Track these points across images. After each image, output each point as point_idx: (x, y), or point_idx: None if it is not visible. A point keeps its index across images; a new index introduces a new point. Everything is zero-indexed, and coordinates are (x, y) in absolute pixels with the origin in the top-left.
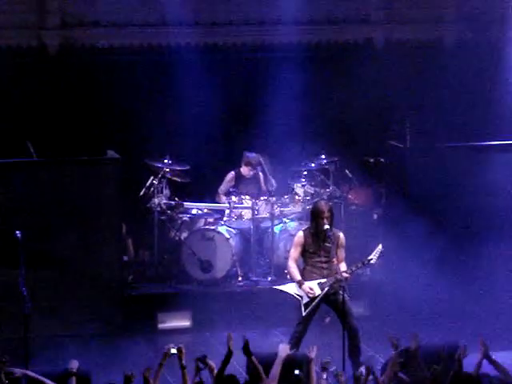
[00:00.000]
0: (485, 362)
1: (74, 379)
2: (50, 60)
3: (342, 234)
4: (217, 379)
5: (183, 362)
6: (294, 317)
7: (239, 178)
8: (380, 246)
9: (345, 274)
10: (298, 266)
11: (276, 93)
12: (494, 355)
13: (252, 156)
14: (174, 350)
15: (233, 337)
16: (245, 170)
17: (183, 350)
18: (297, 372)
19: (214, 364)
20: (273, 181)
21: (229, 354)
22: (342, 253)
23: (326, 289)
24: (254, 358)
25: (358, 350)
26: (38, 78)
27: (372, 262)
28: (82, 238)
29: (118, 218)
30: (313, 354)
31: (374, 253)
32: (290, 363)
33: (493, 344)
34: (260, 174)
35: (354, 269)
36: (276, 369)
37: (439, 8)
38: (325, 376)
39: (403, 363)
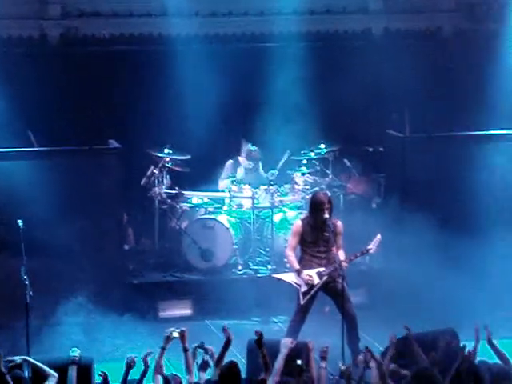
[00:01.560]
0: (482, 349)
1: (74, 368)
2: (51, 50)
3: (339, 222)
4: (217, 366)
5: (186, 344)
6: (294, 305)
7: (238, 166)
8: (379, 236)
9: (343, 263)
10: (296, 255)
11: (275, 82)
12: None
13: (251, 150)
14: (175, 334)
15: (227, 327)
16: (243, 161)
17: (185, 334)
18: (299, 362)
19: (214, 349)
20: (276, 172)
21: (227, 343)
22: (339, 240)
23: (325, 277)
24: (264, 349)
25: (357, 337)
26: (38, 68)
27: (371, 251)
28: (83, 226)
29: (119, 207)
30: (311, 344)
31: (372, 242)
32: (289, 352)
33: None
34: (260, 164)
35: (352, 258)
36: (279, 364)
37: None
38: (324, 365)
39: (401, 353)
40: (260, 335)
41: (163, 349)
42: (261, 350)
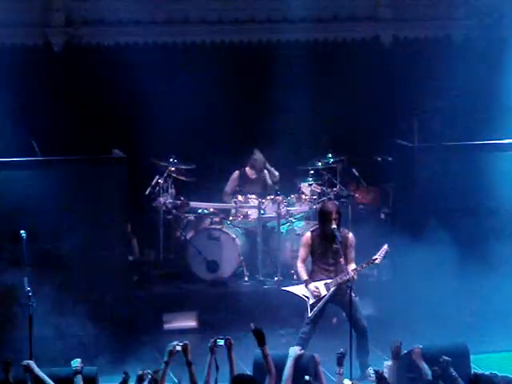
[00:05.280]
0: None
1: (80, 377)
2: (55, 58)
3: (351, 234)
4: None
5: (189, 358)
6: (301, 317)
7: (244, 177)
8: (385, 246)
9: (350, 273)
10: (307, 267)
11: (283, 91)
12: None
13: (257, 159)
14: (179, 348)
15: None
16: (249, 171)
17: (189, 347)
18: (307, 378)
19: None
20: (276, 173)
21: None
22: (351, 253)
23: (333, 289)
24: (266, 347)
25: (366, 349)
26: (43, 76)
27: (377, 261)
28: (87, 237)
29: (124, 218)
30: (319, 358)
31: (379, 252)
32: (297, 364)
33: (501, 344)
34: (266, 173)
35: (359, 268)
36: (288, 371)
37: (447, 5)
38: (341, 371)
39: (408, 366)
40: (258, 330)
41: (166, 363)
42: (263, 348)
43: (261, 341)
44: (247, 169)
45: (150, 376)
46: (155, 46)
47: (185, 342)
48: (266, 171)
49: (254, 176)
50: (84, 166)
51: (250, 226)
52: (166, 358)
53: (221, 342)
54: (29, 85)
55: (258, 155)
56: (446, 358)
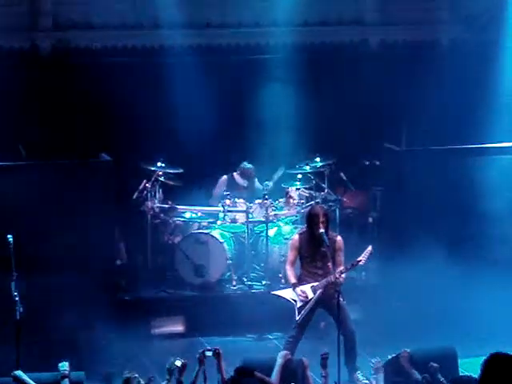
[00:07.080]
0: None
1: (67, 381)
2: (43, 62)
3: (339, 238)
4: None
5: (182, 378)
6: (289, 321)
7: (232, 182)
8: (370, 248)
9: (335, 275)
10: (295, 270)
11: (270, 94)
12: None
13: (247, 168)
14: (178, 363)
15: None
16: (238, 178)
17: (185, 367)
18: None
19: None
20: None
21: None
22: (340, 257)
23: (319, 292)
24: (256, 372)
25: (354, 353)
26: (30, 80)
27: (361, 263)
28: (74, 241)
29: (111, 222)
30: (307, 362)
31: (363, 254)
32: (285, 368)
33: (489, 347)
34: (256, 181)
35: (343, 270)
36: (276, 376)
37: (435, 9)
38: (326, 373)
39: (395, 370)
40: (241, 370)
41: (168, 381)
42: (253, 376)
43: (249, 375)
44: (235, 174)
45: (137, 380)
46: (142, 50)
47: (184, 360)
48: (256, 179)
49: (243, 183)
50: (71, 170)
51: (237, 230)
52: (167, 376)
53: (209, 354)
54: (15, 88)
55: (246, 165)
56: (435, 364)
